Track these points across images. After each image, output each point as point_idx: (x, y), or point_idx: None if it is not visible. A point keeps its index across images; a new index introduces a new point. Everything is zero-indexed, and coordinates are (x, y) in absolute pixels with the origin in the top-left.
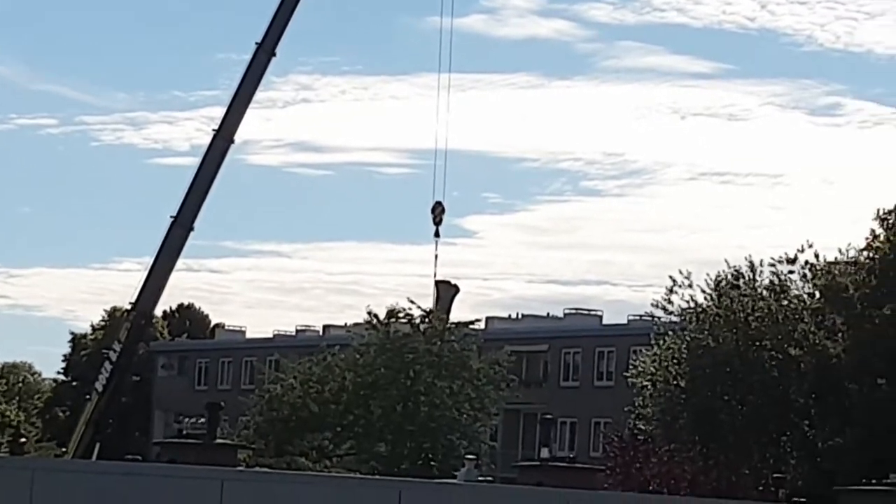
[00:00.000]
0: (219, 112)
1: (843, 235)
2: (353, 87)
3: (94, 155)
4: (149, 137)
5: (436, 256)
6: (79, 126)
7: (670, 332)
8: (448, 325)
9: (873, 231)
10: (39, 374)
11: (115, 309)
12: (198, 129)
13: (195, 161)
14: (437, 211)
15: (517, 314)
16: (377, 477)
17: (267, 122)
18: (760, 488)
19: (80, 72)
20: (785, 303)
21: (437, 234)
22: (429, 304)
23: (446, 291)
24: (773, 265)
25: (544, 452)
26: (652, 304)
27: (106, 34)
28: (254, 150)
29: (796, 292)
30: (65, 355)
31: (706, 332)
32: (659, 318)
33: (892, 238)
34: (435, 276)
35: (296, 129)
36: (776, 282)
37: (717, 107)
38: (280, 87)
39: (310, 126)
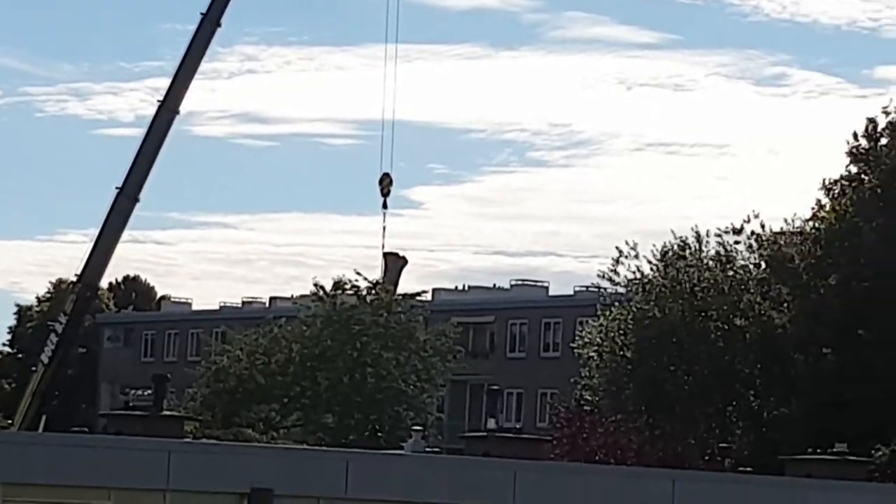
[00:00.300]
0: (164, 83)
1: (788, 206)
2: (299, 57)
3: (39, 126)
4: (93, 108)
5: (384, 228)
6: (22, 97)
7: (616, 303)
8: (395, 297)
9: (819, 201)
10: None
11: (60, 281)
12: (142, 99)
13: (140, 132)
14: (385, 182)
15: (464, 286)
16: (324, 448)
17: (212, 94)
18: (706, 458)
19: (23, 43)
20: (731, 273)
21: (384, 206)
22: (376, 275)
23: (394, 263)
24: (719, 236)
25: (491, 423)
26: (598, 275)
27: (49, 4)
28: (199, 122)
29: (742, 263)
30: (10, 327)
31: (652, 303)
32: (605, 289)
33: (837, 208)
34: (383, 247)
35: (241, 101)
36: (722, 252)
37: (663, 77)
38: (225, 58)
39: (255, 97)
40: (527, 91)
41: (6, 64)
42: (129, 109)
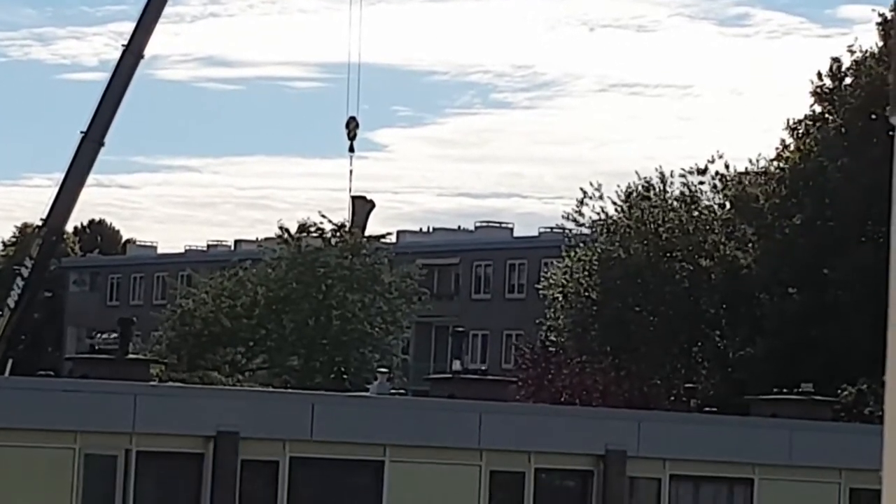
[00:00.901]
0: (127, 27)
1: (752, 146)
2: (262, 1)
3: (2, 71)
4: (57, 53)
5: (350, 172)
6: None
7: (581, 244)
8: (359, 240)
9: (783, 141)
10: None
11: (25, 225)
12: (106, 44)
13: (104, 76)
14: (352, 126)
15: (428, 228)
16: (290, 391)
17: (175, 38)
18: (672, 398)
19: None
20: (695, 214)
21: (351, 150)
22: (340, 217)
23: (362, 207)
24: (683, 176)
25: (456, 365)
26: (563, 217)
27: None
28: (162, 66)
29: (707, 203)
30: None
31: (617, 244)
32: (570, 230)
33: (802, 148)
34: (350, 191)
35: (205, 44)
36: (686, 193)
37: (626, 18)
38: (188, 2)
39: (218, 41)
40: (490, 33)
41: None
42: (93, 54)
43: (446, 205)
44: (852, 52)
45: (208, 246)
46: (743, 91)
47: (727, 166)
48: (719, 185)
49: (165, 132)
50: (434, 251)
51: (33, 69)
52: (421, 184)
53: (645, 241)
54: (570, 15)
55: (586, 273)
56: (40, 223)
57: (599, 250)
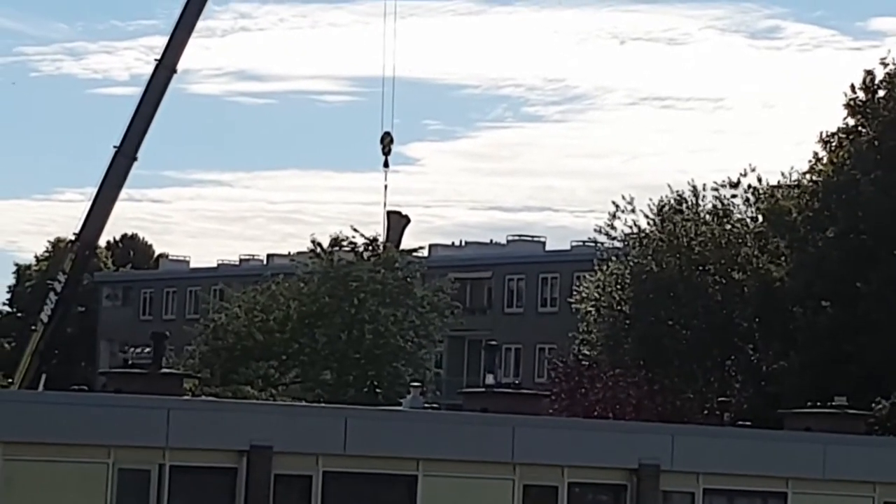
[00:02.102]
0: (157, 41)
1: (784, 159)
2: (292, 15)
3: (34, 86)
4: (88, 67)
5: (385, 187)
6: (18, 57)
7: (614, 258)
8: (392, 253)
9: (816, 154)
10: None
11: (59, 240)
12: (137, 58)
13: (135, 91)
14: (386, 141)
15: (461, 241)
16: (323, 405)
17: (206, 51)
18: (705, 412)
19: (17, 2)
20: (728, 227)
21: (386, 165)
22: (372, 231)
23: (397, 222)
24: (715, 189)
25: (489, 379)
26: (595, 230)
27: None
28: (194, 80)
29: (739, 216)
30: (9, 286)
31: (649, 257)
32: (602, 243)
33: (835, 161)
34: (385, 206)
35: (236, 58)
36: (719, 206)
37: (656, 31)
38: (219, 16)
39: (249, 55)
40: (521, 46)
41: (1, 24)
42: (124, 68)
43: (478, 218)
44: (885, 65)
45: (241, 260)
46: (774, 104)
47: (759, 179)
48: (752, 198)
49: (197, 146)
50: (466, 265)
51: (65, 84)
52: (452, 197)
53: (677, 255)
54: (600, 28)
55: (619, 287)
56: (73, 238)
57: (632, 264)
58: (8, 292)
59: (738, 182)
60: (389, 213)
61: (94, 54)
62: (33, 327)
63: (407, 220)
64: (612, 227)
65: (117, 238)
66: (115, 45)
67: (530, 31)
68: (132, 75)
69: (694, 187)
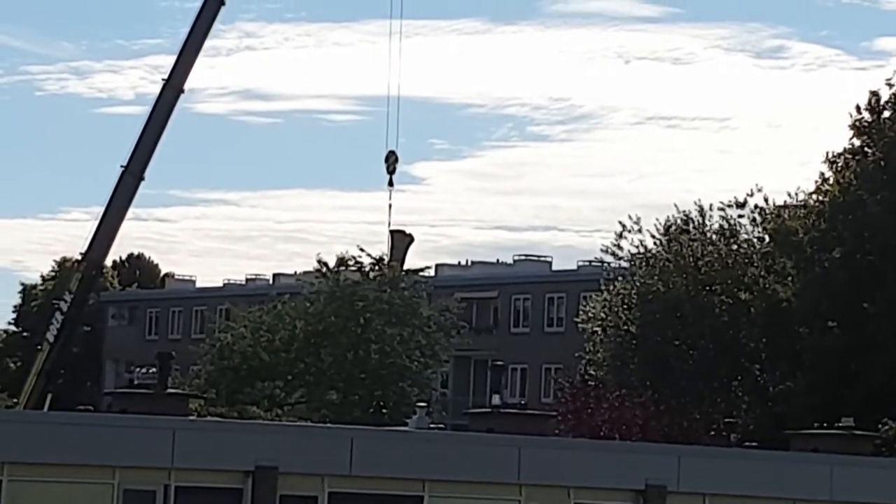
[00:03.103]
0: (163, 60)
1: (790, 178)
2: (297, 34)
3: (39, 105)
4: (93, 87)
5: (390, 206)
6: (23, 76)
7: (620, 278)
8: (398, 273)
9: (822, 174)
10: None
11: (65, 259)
12: (142, 77)
13: (140, 110)
14: (391, 160)
15: (467, 261)
16: (329, 425)
17: (212, 71)
18: (712, 433)
19: (23, 21)
20: (735, 247)
21: (390, 184)
22: (378, 251)
23: (401, 241)
24: (722, 209)
25: (495, 399)
26: (602, 250)
27: None
28: (199, 99)
29: (746, 236)
30: (15, 306)
31: (656, 277)
32: (608, 263)
33: (841, 181)
34: (389, 225)
35: (241, 77)
36: (726, 226)
37: (662, 50)
38: (224, 35)
39: (255, 74)
40: (527, 65)
41: (6, 43)
42: (129, 87)
43: (483, 238)
44: (891, 86)
45: (247, 280)
46: (780, 123)
47: (766, 199)
48: (758, 218)
49: (203, 166)
50: (473, 285)
51: (70, 103)
52: (458, 217)
53: (684, 275)
54: (606, 47)
55: (625, 307)
56: (80, 257)
57: (638, 284)
58: (14, 312)
59: (745, 202)
60: (393, 232)
61: (99, 73)
62: (39, 347)
63: (411, 238)
64: (619, 247)
65: (123, 257)
66: (120, 64)
67: (536, 51)
68: (137, 94)
69: (700, 207)
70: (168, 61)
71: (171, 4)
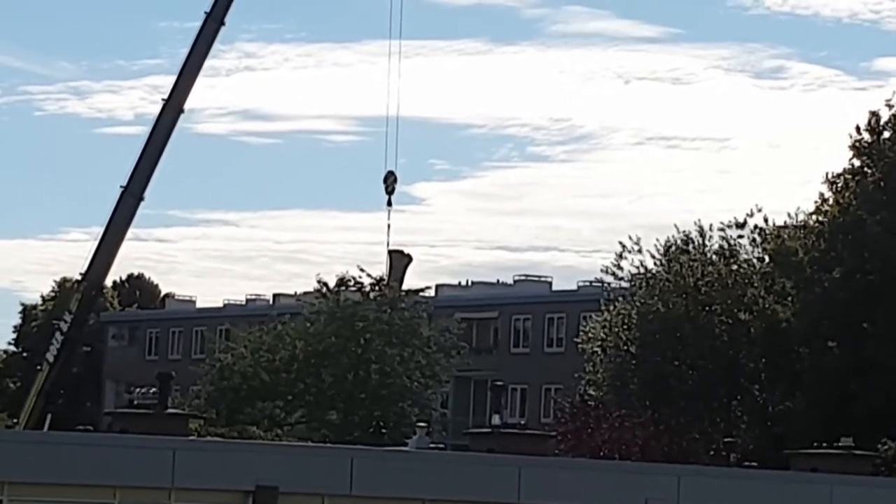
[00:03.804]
0: (162, 81)
1: (790, 198)
2: (297, 54)
3: (38, 125)
4: (93, 107)
5: (388, 226)
6: (22, 96)
7: (620, 298)
8: (398, 293)
9: (822, 195)
10: None
11: (65, 280)
12: (142, 97)
13: (140, 130)
14: (390, 180)
15: (467, 281)
16: (329, 445)
17: (211, 91)
18: (711, 453)
19: (22, 41)
20: (734, 267)
21: (389, 204)
22: (378, 271)
23: (399, 261)
24: (722, 230)
25: (495, 419)
26: (602, 270)
27: (47, 2)
28: (199, 119)
29: (746, 257)
30: (15, 326)
31: (656, 298)
32: (609, 283)
33: (841, 202)
34: (388, 245)
35: (241, 98)
36: (726, 247)
37: (661, 70)
38: (223, 55)
39: (255, 94)
40: (527, 86)
41: (5, 62)
42: (129, 108)
43: (483, 258)
44: (890, 107)
45: (247, 300)
46: (780, 144)
47: (766, 220)
48: (758, 238)
49: (202, 186)
50: (473, 305)
51: (70, 123)
52: (458, 237)
53: (684, 295)
54: (606, 68)
55: (625, 327)
56: (80, 277)
57: (638, 304)
58: (14, 332)
59: (745, 222)
60: (391, 252)
61: (98, 93)
62: (39, 367)
63: (409, 258)
64: (619, 268)
65: (123, 278)
66: (119, 84)
67: (536, 71)
68: (137, 115)
69: (700, 228)
70: (167, 81)
71: (171, 25)
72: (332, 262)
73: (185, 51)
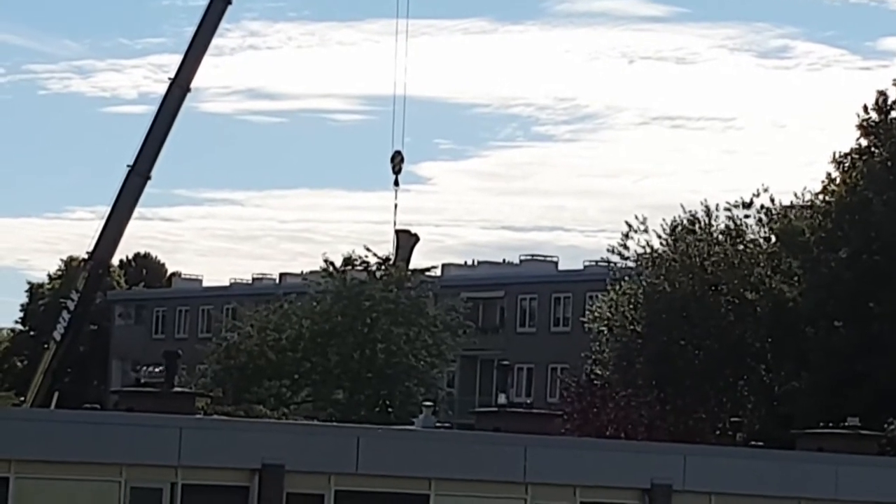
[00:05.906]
0: (166, 59)
1: (795, 178)
2: (301, 33)
3: (43, 104)
4: (97, 86)
5: (395, 206)
6: (26, 74)
7: (626, 278)
8: (404, 273)
9: (829, 174)
10: None
11: (71, 258)
12: (145, 76)
13: (144, 109)
14: (397, 160)
15: (473, 261)
16: (335, 424)
17: (215, 70)
18: (717, 432)
19: (26, 20)
20: (741, 247)
21: (396, 183)
22: (384, 250)
23: (406, 240)
24: (728, 210)
25: (501, 398)
26: (608, 250)
27: None
28: (204, 98)
29: (752, 236)
30: (22, 305)
31: (662, 278)
32: (615, 263)
33: (847, 181)
34: (395, 224)
35: (245, 77)
36: (732, 226)
37: (666, 50)
38: (228, 35)
39: (260, 73)
40: (532, 65)
41: (9, 41)
42: (133, 86)
43: (489, 238)
44: None
45: (253, 279)
46: (785, 123)
47: (772, 200)
48: (764, 218)
49: (208, 165)
50: (479, 285)
51: (74, 102)
52: (464, 217)
53: (690, 275)
54: (611, 47)
55: (631, 306)
56: (86, 256)
57: (644, 284)
58: (21, 311)
59: (751, 202)
60: (398, 232)
61: (102, 72)
62: (46, 346)
63: (416, 238)
64: (625, 247)
65: (130, 257)
66: (123, 63)
67: (541, 51)
68: (141, 93)
69: (707, 207)
70: (171, 60)
71: (174, 3)
72: (337, 241)
73: (188, 29)
